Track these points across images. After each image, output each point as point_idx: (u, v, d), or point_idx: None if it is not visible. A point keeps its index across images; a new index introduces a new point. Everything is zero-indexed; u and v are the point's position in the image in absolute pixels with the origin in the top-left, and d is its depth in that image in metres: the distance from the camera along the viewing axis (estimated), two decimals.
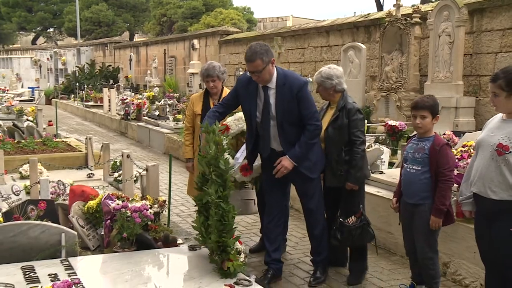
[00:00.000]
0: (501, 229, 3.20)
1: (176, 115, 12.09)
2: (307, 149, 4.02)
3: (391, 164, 6.40)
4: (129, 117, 14.04)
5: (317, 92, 4.50)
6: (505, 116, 3.26)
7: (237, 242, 3.69)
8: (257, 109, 4.08)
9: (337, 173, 4.24)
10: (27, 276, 3.47)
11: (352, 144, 4.20)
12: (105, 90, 17.48)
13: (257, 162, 4.34)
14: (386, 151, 6.28)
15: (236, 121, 4.55)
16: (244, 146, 4.46)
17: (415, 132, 7.11)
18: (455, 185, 3.92)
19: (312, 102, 4.04)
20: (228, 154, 4.07)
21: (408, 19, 9.25)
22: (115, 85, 20.90)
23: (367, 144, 5.32)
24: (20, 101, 17.74)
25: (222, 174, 3.62)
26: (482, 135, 3.38)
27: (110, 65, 25.30)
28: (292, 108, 3.97)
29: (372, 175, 5.69)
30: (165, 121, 12.16)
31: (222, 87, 4.98)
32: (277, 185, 4.27)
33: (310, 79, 11.71)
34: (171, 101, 13.55)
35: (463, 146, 5.04)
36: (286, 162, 3.96)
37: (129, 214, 4.03)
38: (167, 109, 13.05)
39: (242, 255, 3.68)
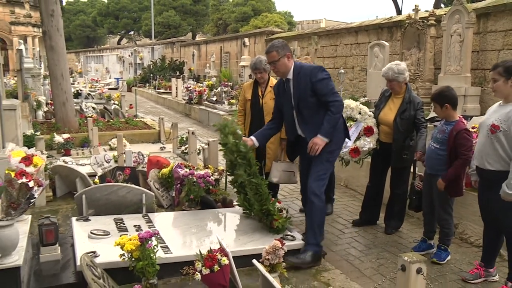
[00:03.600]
0: (497, 194, 3.18)
1: (230, 100, 12.11)
2: (334, 123, 3.48)
3: None
4: (192, 101, 14.17)
5: (388, 87, 4.30)
6: (502, 102, 3.27)
7: (277, 203, 3.65)
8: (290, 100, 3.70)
9: (402, 156, 4.18)
10: (118, 226, 3.59)
11: (418, 126, 4.17)
12: (173, 80, 17.70)
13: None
14: None
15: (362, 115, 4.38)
16: (355, 127, 4.28)
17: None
18: None
19: (328, 83, 3.48)
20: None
21: (425, 21, 9.15)
22: (181, 76, 21.08)
23: None
24: (109, 89, 18.23)
25: (245, 155, 3.56)
26: (482, 118, 3.41)
27: (177, 60, 25.50)
28: (307, 93, 3.50)
29: None
30: (221, 105, 12.20)
31: (269, 77, 4.88)
32: (308, 165, 3.89)
33: (342, 71, 11.45)
34: (226, 88, 13.56)
35: (472, 128, 4.83)
36: (316, 139, 3.47)
37: (195, 180, 4.08)
38: (223, 95, 13.08)
39: (284, 212, 3.63)
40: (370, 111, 4.45)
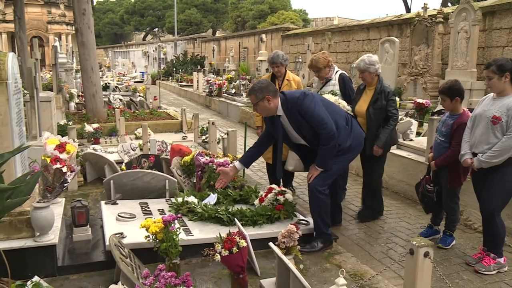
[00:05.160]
0: (495, 178, 3.22)
1: None
2: (327, 153, 3.31)
3: (418, 134, 6.11)
4: (212, 94, 14.16)
5: (360, 78, 4.23)
6: (495, 96, 3.25)
7: (268, 195, 3.54)
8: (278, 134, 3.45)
9: (374, 145, 4.06)
10: (143, 209, 3.63)
11: (388, 118, 4.06)
12: (194, 73, 17.70)
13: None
14: (415, 123, 5.96)
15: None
16: None
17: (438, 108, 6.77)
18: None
19: (313, 114, 3.22)
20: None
21: (433, 18, 9.00)
22: (202, 70, 21.08)
23: (400, 116, 5.09)
24: (134, 82, 18.35)
25: (215, 215, 3.41)
26: (478, 110, 3.32)
27: (198, 55, 25.48)
28: (303, 123, 3.30)
29: (403, 141, 5.46)
30: (240, 97, 12.15)
31: (285, 71, 4.83)
32: None
33: (354, 65, 11.28)
34: (244, 81, 13.51)
35: None
36: (312, 170, 3.38)
37: (215, 167, 4.08)
38: (241, 88, 13.03)
39: (280, 198, 3.51)
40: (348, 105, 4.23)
